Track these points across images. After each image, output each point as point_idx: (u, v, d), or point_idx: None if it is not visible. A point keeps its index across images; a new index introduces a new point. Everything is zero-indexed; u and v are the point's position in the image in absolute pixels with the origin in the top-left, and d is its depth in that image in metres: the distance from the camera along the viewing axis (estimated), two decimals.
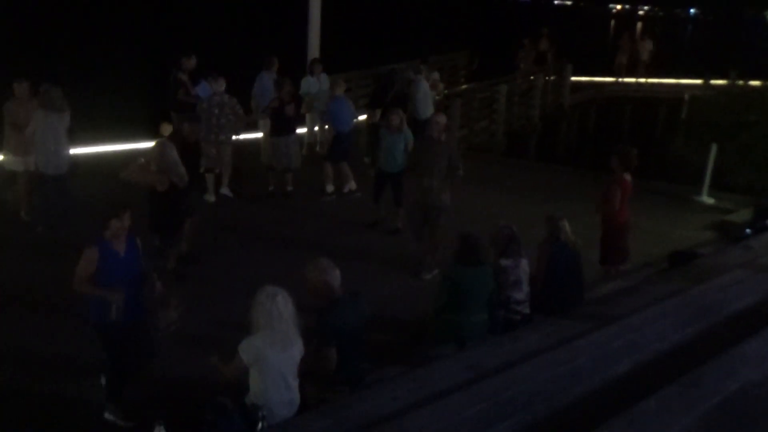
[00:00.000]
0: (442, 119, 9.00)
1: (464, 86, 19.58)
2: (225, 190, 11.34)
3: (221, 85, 10.68)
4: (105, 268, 5.45)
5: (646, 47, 24.07)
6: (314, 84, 13.21)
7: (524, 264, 6.85)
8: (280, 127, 11.08)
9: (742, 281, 7.70)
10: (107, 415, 5.75)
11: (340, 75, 13.83)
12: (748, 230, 10.80)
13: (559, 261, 6.99)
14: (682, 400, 4.65)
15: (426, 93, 13.62)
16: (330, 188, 11.64)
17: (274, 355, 4.83)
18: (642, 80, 24.47)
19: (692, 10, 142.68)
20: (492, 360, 5.86)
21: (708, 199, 12.83)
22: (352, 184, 11.68)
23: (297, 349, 4.99)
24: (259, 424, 4.77)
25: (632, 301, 7.37)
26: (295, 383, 5.03)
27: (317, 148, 14.06)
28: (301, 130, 13.76)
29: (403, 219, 9.92)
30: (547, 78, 20.61)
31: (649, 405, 4.56)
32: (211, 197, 10.95)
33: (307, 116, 13.77)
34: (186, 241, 8.65)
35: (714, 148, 12.76)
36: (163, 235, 7.89)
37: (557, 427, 4.69)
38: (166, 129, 11.06)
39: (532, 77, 19.42)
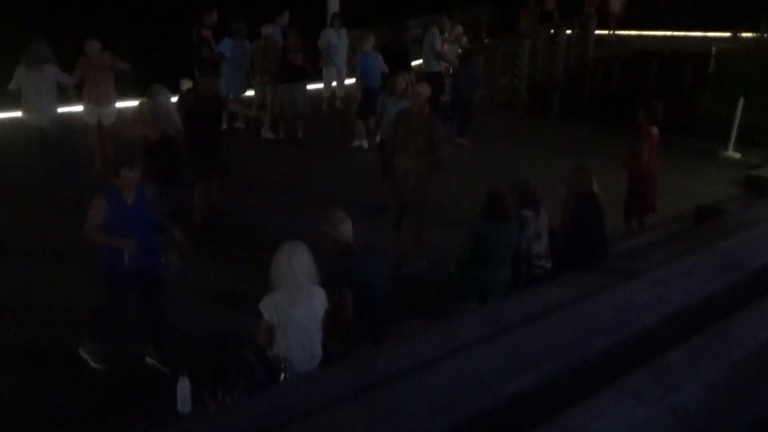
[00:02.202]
0: (424, 90, 7.65)
1: (486, 41, 19.22)
2: (267, 134, 11.70)
3: (285, 19, 11.42)
4: (114, 217, 5.46)
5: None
6: (334, 37, 13.11)
7: (544, 217, 6.77)
8: (287, 74, 11.18)
9: None
10: (82, 352, 5.85)
11: (367, 29, 13.63)
12: None
13: (584, 214, 6.89)
14: (708, 352, 4.62)
15: (432, 44, 13.41)
16: (363, 143, 11.57)
17: (295, 310, 4.84)
18: (617, 33, 23.54)
19: None
20: (515, 314, 5.82)
21: (734, 154, 12.60)
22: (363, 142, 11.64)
23: (319, 303, 4.98)
24: (282, 376, 4.80)
25: (658, 255, 7.27)
26: (318, 338, 5.03)
27: (337, 104, 13.96)
28: (319, 85, 13.72)
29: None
30: (570, 32, 20.17)
31: (674, 357, 4.53)
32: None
33: (324, 70, 13.64)
34: (215, 195, 8.58)
35: (741, 102, 12.50)
36: (162, 185, 7.52)
37: (581, 380, 4.66)
38: (185, 84, 11.03)
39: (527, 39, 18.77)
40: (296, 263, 4.81)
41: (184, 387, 4.73)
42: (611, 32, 23.69)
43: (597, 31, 21.90)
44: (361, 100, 11.61)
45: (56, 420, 5.25)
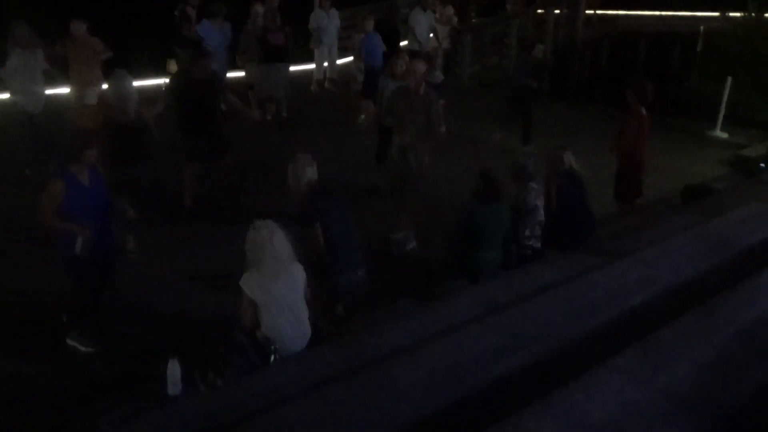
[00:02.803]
0: (420, 67, 7.64)
1: (475, 21, 19.14)
2: (255, 113, 11.48)
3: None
4: (72, 200, 5.45)
5: None
6: (323, 18, 13.02)
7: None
8: (267, 55, 11.11)
9: (756, 215, 7.61)
10: (69, 341, 5.85)
11: (365, 6, 13.53)
12: (762, 164, 10.69)
13: (568, 192, 6.90)
14: (698, 330, 4.64)
15: (419, 23, 13.35)
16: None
17: (278, 286, 4.85)
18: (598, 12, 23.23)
19: None
20: (506, 294, 5.84)
21: (722, 134, 12.65)
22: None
23: (299, 276, 5.00)
24: (272, 357, 4.79)
25: (647, 235, 7.30)
26: (305, 314, 5.05)
27: (326, 85, 13.89)
28: (310, 66, 13.64)
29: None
30: (559, 12, 20.11)
31: (665, 335, 4.55)
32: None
33: (316, 52, 13.55)
34: (223, 176, 8.51)
35: (729, 82, 12.52)
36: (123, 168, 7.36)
37: (571, 359, 4.68)
38: (172, 66, 10.93)
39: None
40: (278, 240, 4.84)
41: (174, 369, 4.71)
42: (594, 12, 23.55)
43: (587, 11, 21.84)
44: (364, 80, 11.51)
45: (43, 404, 5.23)
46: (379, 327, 5.39)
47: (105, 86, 8.52)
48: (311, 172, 5.87)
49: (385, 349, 4.87)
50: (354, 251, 5.92)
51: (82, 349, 5.83)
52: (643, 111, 7.97)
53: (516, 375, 4.53)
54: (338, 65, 13.87)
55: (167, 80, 11.05)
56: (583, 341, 4.93)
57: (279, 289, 4.86)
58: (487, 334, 4.93)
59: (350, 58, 13.59)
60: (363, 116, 11.52)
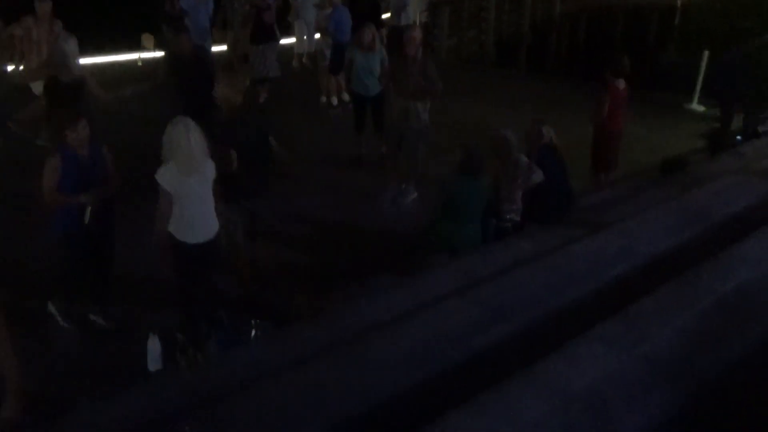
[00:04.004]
0: (417, 34, 8.17)
1: None
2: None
3: None
4: (68, 176, 5.35)
5: None
6: None
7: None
8: (261, 35, 10.89)
9: (734, 186, 7.66)
10: (50, 308, 5.80)
11: None
12: (739, 137, 10.74)
13: (548, 166, 6.88)
14: (677, 299, 4.66)
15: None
16: (333, 100, 11.43)
17: (191, 179, 5.09)
18: None
19: None
20: (485, 267, 5.83)
21: (699, 107, 12.71)
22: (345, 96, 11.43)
23: (210, 172, 5.24)
24: (253, 333, 4.76)
25: (625, 207, 7.33)
26: (212, 209, 5.32)
27: (304, 60, 13.72)
28: (290, 40, 13.47)
29: (386, 143, 9.07)
30: None
31: (644, 305, 4.56)
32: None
33: (296, 26, 13.36)
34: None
35: (706, 56, 12.55)
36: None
37: (552, 330, 4.68)
38: (148, 40, 10.74)
39: None
40: (193, 136, 5.04)
41: (154, 346, 4.67)
42: None
43: None
44: (332, 55, 11.34)
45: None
46: (358, 302, 5.37)
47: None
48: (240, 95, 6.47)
49: (365, 325, 4.85)
50: (263, 169, 6.28)
51: (60, 321, 5.75)
52: (620, 85, 7.97)
53: (497, 347, 4.53)
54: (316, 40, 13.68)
55: (141, 55, 10.89)
56: (563, 313, 4.94)
57: (192, 183, 5.10)
58: (467, 308, 4.93)
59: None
60: (324, 98, 11.43)
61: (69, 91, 7.20)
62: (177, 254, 5.19)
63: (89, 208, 5.34)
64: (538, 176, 6.60)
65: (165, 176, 5.02)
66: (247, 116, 6.36)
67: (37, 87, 8.44)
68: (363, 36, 8.91)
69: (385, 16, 13.90)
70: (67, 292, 5.80)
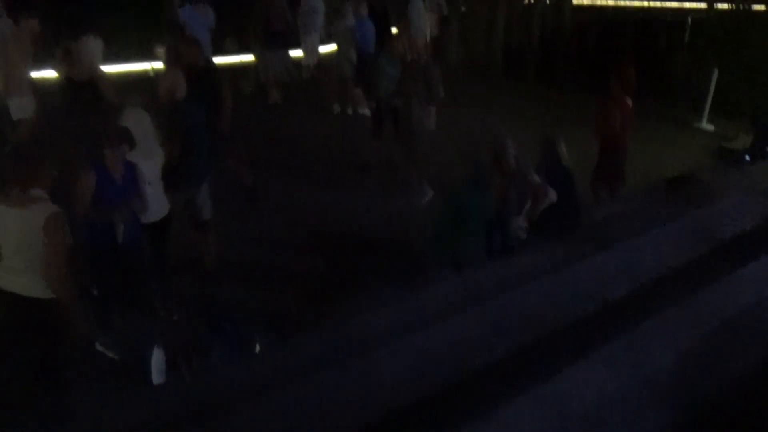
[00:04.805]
0: (420, 42, 8.94)
1: (463, 8, 19.07)
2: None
3: None
4: (99, 194, 5.22)
5: None
6: (316, 2, 12.90)
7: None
8: (269, 40, 11.23)
9: (740, 206, 7.65)
10: (98, 346, 5.53)
11: None
12: (747, 156, 10.74)
13: (557, 182, 6.89)
14: (681, 321, 4.66)
15: (419, 11, 13.29)
16: (365, 111, 11.36)
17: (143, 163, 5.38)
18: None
19: None
20: (490, 282, 5.83)
21: (708, 126, 12.71)
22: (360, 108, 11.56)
23: (158, 158, 5.65)
24: (257, 344, 4.78)
25: (631, 224, 7.31)
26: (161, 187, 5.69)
27: (313, 70, 13.76)
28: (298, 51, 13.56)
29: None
30: (547, 0, 20.11)
31: (648, 326, 4.57)
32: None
33: (304, 37, 13.43)
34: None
35: (716, 74, 12.56)
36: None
37: (555, 348, 4.69)
38: (161, 52, 10.78)
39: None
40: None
41: (158, 357, 4.69)
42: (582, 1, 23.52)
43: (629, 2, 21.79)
44: (358, 66, 11.41)
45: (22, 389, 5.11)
46: (362, 314, 5.38)
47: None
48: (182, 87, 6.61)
49: (369, 337, 4.86)
50: (206, 156, 6.47)
51: (110, 354, 5.49)
52: (627, 99, 7.98)
53: (499, 364, 4.54)
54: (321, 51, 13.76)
55: (153, 65, 10.94)
56: (566, 330, 4.94)
57: (147, 167, 5.40)
58: (471, 323, 4.95)
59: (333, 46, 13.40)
60: (337, 105, 11.52)
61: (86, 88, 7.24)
62: None
63: (122, 226, 5.23)
64: (551, 197, 6.62)
65: None
66: (188, 106, 6.49)
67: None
68: (395, 44, 9.41)
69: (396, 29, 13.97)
70: (102, 314, 5.59)
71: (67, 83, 7.48)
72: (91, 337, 5.47)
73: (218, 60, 11.88)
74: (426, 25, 13.61)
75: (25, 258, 4.29)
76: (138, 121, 5.58)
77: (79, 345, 4.88)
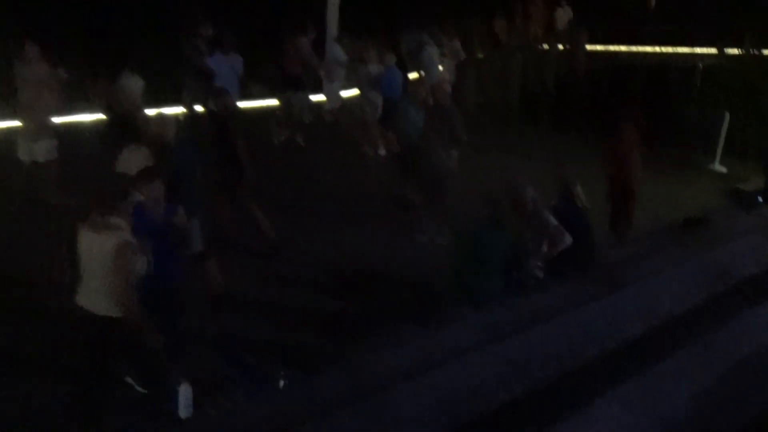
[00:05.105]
0: (445, 86, 8.96)
1: (480, 54, 19.34)
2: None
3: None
4: (137, 231, 5.16)
5: (564, 16, 22.55)
6: (339, 52, 13.34)
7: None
8: (287, 84, 11.86)
9: (754, 247, 7.73)
10: (127, 379, 5.56)
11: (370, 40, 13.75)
12: (760, 198, 10.81)
13: (572, 224, 7.00)
14: (697, 361, 4.71)
15: (431, 58, 13.58)
16: (382, 151, 11.58)
17: None
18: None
19: None
20: (508, 321, 5.92)
21: (721, 168, 12.80)
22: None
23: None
24: (281, 381, 4.88)
25: (646, 265, 7.40)
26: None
27: (337, 114, 14.02)
28: (320, 96, 13.95)
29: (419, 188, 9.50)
30: (561, 47, 20.37)
31: (663, 367, 4.63)
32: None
33: (327, 83, 13.82)
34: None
35: (727, 116, 12.70)
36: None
37: (571, 387, 4.76)
38: (187, 99, 11.14)
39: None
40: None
41: (185, 392, 4.78)
42: (595, 47, 23.68)
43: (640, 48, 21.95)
44: (384, 111, 11.65)
45: (47, 425, 5.16)
46: (382, 352, 5.47)
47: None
48: (170, 130, 6.69)
49: (389, 375, 4.95)
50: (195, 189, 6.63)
51: (138, 389, 5.52)
52: (630, 139, 8.07)
53: (516, 403, 4.61)
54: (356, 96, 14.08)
55: (181, 109, 11.35)
56: (583, 370, 5.01)
57: None
58: (489, 362, 5.02)
59: (354, 90, 13.69)
60: (367, 147, 11.78)
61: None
62: None
63: (144, 258, 5.15)
64: (566, 241, 6.73)
65: None
66: (176, 148, 6.64)
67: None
68: (418, 91, 9.66)
69: (413, 75, 14.26)
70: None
71: (109, 120, 7.70)
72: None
73: (246, 104, 12.36)
74: (444, 70, 13.92)
75: (99, 279, 4.75)
76: (143, 159, 5.86)
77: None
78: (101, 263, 4.73)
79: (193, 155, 6.91)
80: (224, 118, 8.03)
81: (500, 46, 18.30)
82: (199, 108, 9.99)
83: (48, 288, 6.04)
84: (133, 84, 8.22)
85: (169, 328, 5.59)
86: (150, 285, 5.26)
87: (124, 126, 7.62)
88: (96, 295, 4.82)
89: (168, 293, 5.53)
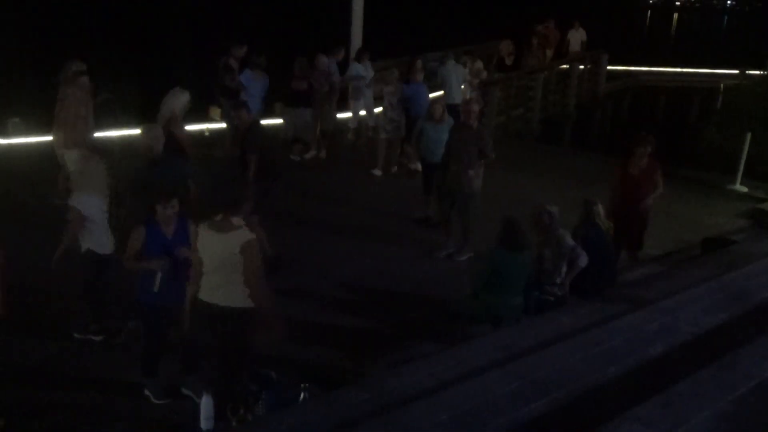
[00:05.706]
0: (475, 106, 8.99)
1: (501, 75, 19.45)
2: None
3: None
4: (151, 250, 5.48)
5: (579, 38, 22.43)
6: (362, 70, 13.53)
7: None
8: (291, 99, 12.32)
9: None
10: (146, 391, 5.70)
11: (407, 61, 13.95)
12: None
13: (593, 244, 7.04)
14: (716, 383, 4.70)
15: (454, 78, 13.83)
16: (417, 166, 11.68)
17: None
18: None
19: (728, 1, 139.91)
20: (526, 340, 5.95)
21: (741, 188, 12.76)
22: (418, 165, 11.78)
23: None
24: (302, 395, 4.93)
25: (666, 285, 7.40)
26: None
27: (370, 133, 14.15)
28: (347, 115, 14.11)
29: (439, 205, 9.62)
30: (582, 67, 20.43)
31: (683, 387, 4.62)
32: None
33: (353, 102, 14.02)
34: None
35: (748, 137, 12.68)
36: None
37: (591, 407, 4.77)
38: (215, 112, 11.38)
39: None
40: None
41: (207, 404, 4.85)
42: (616, 67, 23.62)
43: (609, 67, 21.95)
44: (410, 128, 11.77)
45: None
46: (402, 369, 5.52)
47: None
48: (158, 144, 6.86)
49: (408, 392, 4.99)
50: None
51: (156, 401, 5.66)
52: (641, 162, 8.01)
53: (536, 421, 4.62)
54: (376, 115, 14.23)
55: (209, 126, 11.64)
56: (601, 390, 5.02)
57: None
58: (508, 380, 5.04)
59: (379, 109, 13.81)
60: (412, 165, 12.02)
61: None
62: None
63: (159, 275, 5.42)
64: (583, 261, 6.77)
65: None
66: (163, 162, 6.75)
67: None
68: (435, 109, 9.88)
69: (436, 94, 14.40)
70: (151, 365, 5.75)
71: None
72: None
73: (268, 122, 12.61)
74: (467, 89, 14.08)
75: (223, 275, 5.11)
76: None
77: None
78: (225, 260, 5.08)
79: (183, 168, 7.07)
80: (244, 132, 8.22)
81: (521, 67, 18.43)
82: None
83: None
84: (181, 99, 8.27)
85: (185, 342, 5.74)
86: (159, 301, 5.47)
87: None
88: (219, 288, 5.16)
89: (177, 308, 5.55)
